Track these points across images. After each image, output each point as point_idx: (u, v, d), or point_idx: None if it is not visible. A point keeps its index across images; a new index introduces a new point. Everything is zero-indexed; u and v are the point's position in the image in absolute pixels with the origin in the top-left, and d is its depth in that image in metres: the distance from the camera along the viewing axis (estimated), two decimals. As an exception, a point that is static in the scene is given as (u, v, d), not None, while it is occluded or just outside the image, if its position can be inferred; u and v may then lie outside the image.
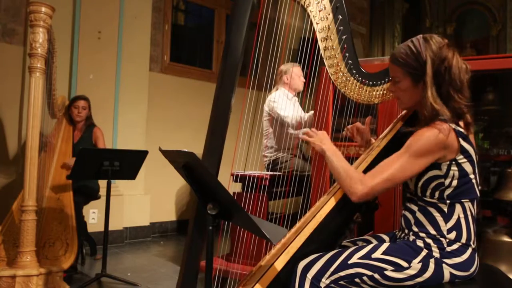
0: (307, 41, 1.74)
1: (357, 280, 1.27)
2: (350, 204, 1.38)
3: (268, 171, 3.15)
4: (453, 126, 1.27)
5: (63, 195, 2.83)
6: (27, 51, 2.83)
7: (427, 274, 1.25)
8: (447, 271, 1.25)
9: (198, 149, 1.47)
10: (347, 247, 1.39)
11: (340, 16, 1.64)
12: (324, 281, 1.28)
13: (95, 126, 3.33)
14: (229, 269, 2.47)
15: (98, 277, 2.79)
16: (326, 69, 1.70)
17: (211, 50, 5.22)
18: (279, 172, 3.02)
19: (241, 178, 2.72)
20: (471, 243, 1.29)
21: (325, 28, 1.66)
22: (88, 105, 3.28)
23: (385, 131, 1.65)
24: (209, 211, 1.22)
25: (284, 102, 3.06)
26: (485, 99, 2.75)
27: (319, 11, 1.65)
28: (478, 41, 6.93)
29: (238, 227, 2.46)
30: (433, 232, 1.29)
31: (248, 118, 1.94)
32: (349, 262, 1.28)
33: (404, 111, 1.64)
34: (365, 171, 1.43)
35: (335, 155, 1.41)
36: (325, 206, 1.44)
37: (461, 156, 1.27)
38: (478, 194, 1.33)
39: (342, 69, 1.68)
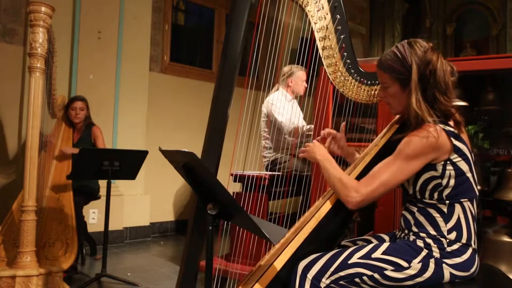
0: (306, 41, 1.74)
1: (357, 280, 1.27)
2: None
3: (267, 171, 3.15)
4: (443, 126, 1.27)
5: (63, 195, 2.83)
6: (27, 51, 2.83)
7: (427, 274, 1.25)
8: (447, 271, 1.25)
9: (198, 149, 1.47)
10: (347, 247, 1.39)
11: (338, 15, 1.65)
12: (324, 281, 1.28)
13: (93, 125, 3.31)
14: (229, 269, 2.47)
15: (98, 277, 2.79)
16: (324, 69, 1.71)
17: (211, 50, 5.22)
18: (278, 172, 3.02)
19: (241, 178, 2.72)
20: (472, 243, 1.29)
21: (323, 28, 1.66)
22: (86, 106, 3.26)
23: (378, 136, 1.65)
24: (209, 211, 1.22)
25: (282, 105, 3.06)
26: (485, 99, 2.75)
27: (317, 10, 1.65)
28: (478, 41, 6.93)
29: (238, 227, 2.46)
30: (433, 232, 1.29)
31: (247, 118, 1.94)
32: (349, 262, 1.28)
33: (397, 116, 1.63)
34: (359, 177, 1.44)
35: (329, 163, 1.43)
36: (324, 205, 1.45)
37: (455, 155, 1.28)
38: (477, 193, 1.33)
39: (340, 69, 1.68)
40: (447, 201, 1.29)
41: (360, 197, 1.30)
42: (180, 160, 1.24)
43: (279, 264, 1.36)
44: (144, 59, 4.33)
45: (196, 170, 1.21)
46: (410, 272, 1.25)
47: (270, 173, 2.91)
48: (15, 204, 2.67)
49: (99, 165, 2.80)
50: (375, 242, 1.45)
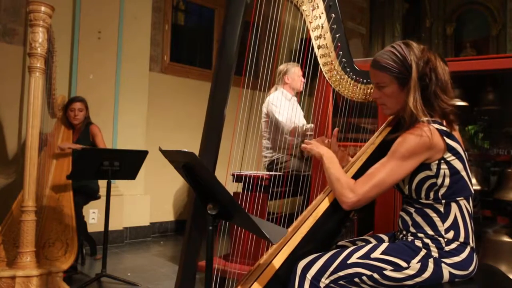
0: (304, 41, 1.75)
1: (356, 280, 1.27)
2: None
3: (267, 171, 3.15)
4: (436, 126, 1.28)
5: (63, 195, 2.83)
6: (27, 51, 2.83)
7: (426, 274, 1.25)
8: (446, 271, 1.25)
9: (198, 149, 1.47)
10: (346, 247, 1.39)
11: (333, 14, 1.65)
12: (324, 281, 1.28)
13: (91, 124, 3.29)
14: (228, 268, 2.47)
15: (98, 277, 2.79)
16: (320, 68, 1.71)
17: (211, 50, 5.22)
18: (278, 172, 3.02)
19: (241, 178, 2.72)
20: (470, 241, 1.29)
21: (318, 27, 1.67)
22: (85, 106, 3.24)
23: (375, 135, 1.65)
24: (209, 211, 1.22)
25: (282, 105, 3.06)
26: (485, 99, 2.75)
27: (312, 9, 1.65)
28: (478, 41, 6.93)
29: (237, 227, 2.45)
30: (431, 232, 1.30)
31: (243, 117, 1.94)
32: (348, 262, 1.29)
33: (390, 117, 1.63)
34: (356, 175, 1.44)
35: (331, 162, 1.43)
36: (321, 204, 1.45)
37: (449, 154, 1.28)
38: (473, 191, 1.34)
39: (336, 67, 1.69)
40: (443, 201, 1.29)
41: (355, 197, 1.31)
42: (180, 160, 1.24)
43: (277, 263, 1.36)
44: (144, 59, 4.33)
45: (196, 170, 1.21)
46: (409, 272, 1.25)
47: (270, 173, 2.90)
48: (15, 204, 2.67)
49: (99, 165, 2.80)
50: (374, 242, 1.45)
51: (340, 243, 1.53)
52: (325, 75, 1.71)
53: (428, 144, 1.25)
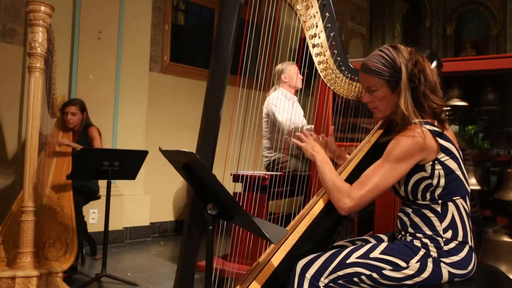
0: (304, 40, 1.75)
1: (355, 279, 1.27)
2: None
3: (268, 171, 3.15)
4: (428, 127, 1.29)
5: (63, 195, 2.83)
6: (27, 51, 2.83)
7: (425, 274, 1.25)
8: (445, 270, 1.25)
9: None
10: (346, 247, 1.39)
11: (327, 13, 1.66)
12: (323, 281, 1.28)
13: (90, 126, 3.25)
14: (227, 268, 2.47)
15: (98, 277, 2.79)
16: (316, 67, 1.71)
17: (211, 50, 5.19)
18: (279, 172, 3.02)
19: (240, 178, 2.72)
20: (468, 240, 1.30)
21: (313, 26, 1.67)
22: (80, 110, 3.18)
23: (370, 133, 1.65)
24: (209, 211, 1.22)
25: (283, 105, 3.06)
26: (485, 99, 2.75)
27: (306, 9, 1.66)
28: (478, 41, 6.94)
29: (236, 227, 2.45)
30: (429, 232, 1.30)
31: (239, 116, 1.94)
32: (348, 261, 1.29)
33: (381, 121, 1.63)
34: (352, 175, 1.45)
35: (325, 166, 1.43)
36: (318, 203, 1.46)
37: (443, 155, 1.29)
38: (469, 190, 1.34)
39: (331, 66, 1.69)
40: (439, 201, 1.29)
41: (352, 203, 1.31)
42: (180, 160, 1.24)
43: (275, 262, 1.36)
44: (144, 59, 4.33)
45: (196, 170, 1.21)
46: (408, 272, 1.25)
47: (270, 173, 2.90)
48: (14, 204, 2.67)
49: (99, 165, 2.79)
50: (373, 242, 1.45)
51: (339, 243, 1.53)
52: (320, 74, 1.72)
53: (421, 146, 1.26)
